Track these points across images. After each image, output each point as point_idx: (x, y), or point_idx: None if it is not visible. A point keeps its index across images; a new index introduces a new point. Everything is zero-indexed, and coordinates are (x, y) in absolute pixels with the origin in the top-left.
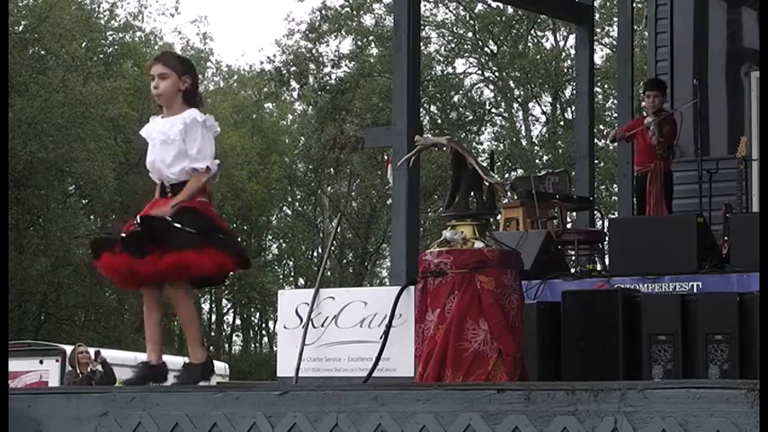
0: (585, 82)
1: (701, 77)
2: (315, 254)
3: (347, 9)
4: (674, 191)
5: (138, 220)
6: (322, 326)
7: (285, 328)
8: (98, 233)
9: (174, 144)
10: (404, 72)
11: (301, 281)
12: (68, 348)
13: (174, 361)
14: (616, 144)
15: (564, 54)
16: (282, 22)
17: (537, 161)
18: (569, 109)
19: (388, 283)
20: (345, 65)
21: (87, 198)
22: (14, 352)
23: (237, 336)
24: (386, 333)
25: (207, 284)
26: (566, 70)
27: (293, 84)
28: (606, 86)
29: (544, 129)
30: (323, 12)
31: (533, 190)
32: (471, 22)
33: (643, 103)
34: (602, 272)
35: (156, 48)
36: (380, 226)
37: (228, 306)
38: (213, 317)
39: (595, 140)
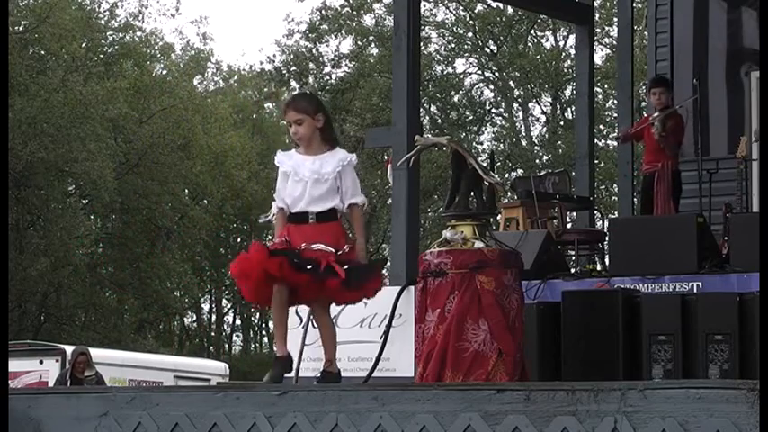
0: (585, 82)
1: (701, 77)
2: None
3: (347, 9)
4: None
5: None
6: None
7: None
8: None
9: (328, 182)
10: (404, 72)
11: None
12: (69, 348)
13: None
14: (620, 143)
15: (564, 54)
16: (282, 22)
17: (537, 161)
18: (569, 109)
19: (388, 283)
20: (345, 65)
21: (87, 198)
22: (14, 352)
23: (237, 336)
24: (386, 333)
25: None
26: (566, 70)
27: (293, 84)
28: (606, 86)
29: (544, 129)
30: (323, 12)
31: (533, 190)
32: (471, 22)
33: (644, 103)
34: (602, 272)
35: (157, 48)
36: (380, 226)
37: (228, 306)
38: (213, 317)
39: (595, 140)
